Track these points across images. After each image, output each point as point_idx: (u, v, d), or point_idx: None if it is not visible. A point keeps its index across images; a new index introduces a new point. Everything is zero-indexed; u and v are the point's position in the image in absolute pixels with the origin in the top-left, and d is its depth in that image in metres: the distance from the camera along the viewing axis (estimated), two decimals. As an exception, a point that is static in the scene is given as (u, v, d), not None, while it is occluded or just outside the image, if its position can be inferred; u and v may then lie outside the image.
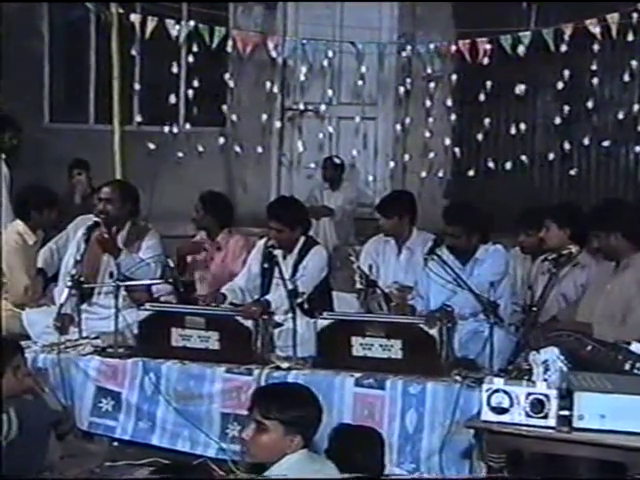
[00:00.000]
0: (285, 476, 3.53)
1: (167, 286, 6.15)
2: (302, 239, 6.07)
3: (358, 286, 6.02)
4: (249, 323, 5.35)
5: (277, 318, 5.63)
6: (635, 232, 4.91)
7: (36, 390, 4.73)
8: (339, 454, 4.16)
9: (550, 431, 3.91)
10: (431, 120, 8.44)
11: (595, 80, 7.77)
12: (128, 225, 6.25)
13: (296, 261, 5.99)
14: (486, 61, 7.67)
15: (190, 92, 8.23)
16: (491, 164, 8.19)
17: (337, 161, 9.10)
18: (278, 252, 5.91)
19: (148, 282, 5.98)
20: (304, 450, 3.63)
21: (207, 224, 6.69)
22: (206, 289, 6.59)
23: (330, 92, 8.95)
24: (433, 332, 5.11)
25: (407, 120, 8.79)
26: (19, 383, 4.59)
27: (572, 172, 8.47)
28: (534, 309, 4.87)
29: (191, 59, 8.07)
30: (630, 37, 7.46)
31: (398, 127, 8.94)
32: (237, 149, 8.58)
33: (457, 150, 8.39)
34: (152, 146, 8.26)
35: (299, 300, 5.63)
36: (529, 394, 3.93)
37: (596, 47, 7.52)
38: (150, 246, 6.18)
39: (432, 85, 8.34)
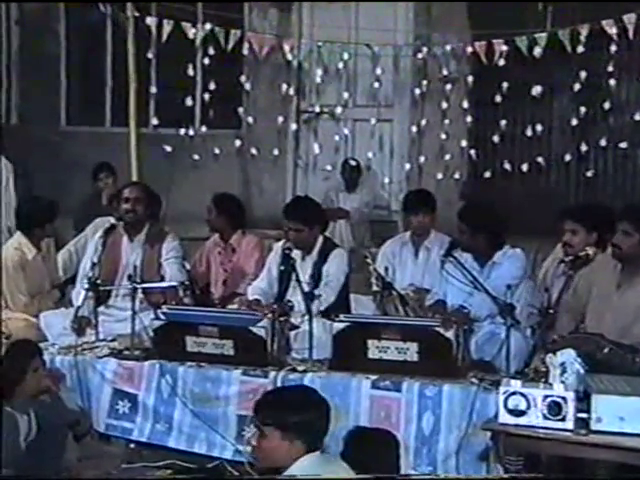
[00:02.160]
0: (294, 476, 3.53)
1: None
2: (321, 239, 6.07)
3: (374, 288, 6.00)
4: (262, 332, 5.33)
5: (294, 320, 5.63)
6: None
7: (53, 390, 4.75)
8: (354, 457, 4.15)
9: (568, 434, 3.90)
10: (447, 122, 8.46)
11: (612, 81, 7.76)
12: (147, 227, 6.27)
13: (316, 262, 5.98)
14: (502, 62, 7.68)
15: (206, 95, 8.27)
16: (507, 166, 8.19)
17: (354, 163, 9.10)
18: (297, 253, 5.92)
19: (165, 284, 5.99)
20: (316, 453, 3.63)
21: (220, 226, 6.71)
22: (221, 290, 6.62)
23: (346, 94, 8.96)
24: (449, 335, 5.10)
25: (423, 122, 8.80)
26: (38, 385, 4.63)
27: (589, 174, 8.45)
28: (550, 312, 4.85)
29: (207, 62, 8.13)
30: (647, 38, 7.45)
31: (414, 129, 8.96)
32: (253, 151, 8.62)
33: (473, 152, 8.39)
34: (168, 148, 8.31)
35: (319, 307, 5.64)
36: (546, 396, 3.92)
37: (613, 48, 7.50)
38: (171, 248, 6.22)
39: (448, 87, 8.34)
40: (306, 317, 5.42)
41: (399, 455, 4.31)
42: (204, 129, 8.75)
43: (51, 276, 6.51)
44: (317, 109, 9.37)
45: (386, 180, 9.23)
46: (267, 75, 9.43)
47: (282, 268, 5.96)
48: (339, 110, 9.13)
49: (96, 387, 5.55)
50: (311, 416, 3.67)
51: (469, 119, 8.44)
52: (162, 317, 5.53)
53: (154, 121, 9.01)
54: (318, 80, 8.69)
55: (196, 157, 8.49)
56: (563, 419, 3.89)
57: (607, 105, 7.96)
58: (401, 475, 4.39)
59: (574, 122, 8.08)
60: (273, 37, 8.41)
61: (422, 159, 8.76)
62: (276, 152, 8.78)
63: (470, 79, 8.27)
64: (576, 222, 5.55)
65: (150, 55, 8.52)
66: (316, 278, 5.90)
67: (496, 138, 8.14)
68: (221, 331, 5.39)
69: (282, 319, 5.45)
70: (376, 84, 8.60)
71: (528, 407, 3.93)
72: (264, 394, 3.94)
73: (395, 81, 9.34)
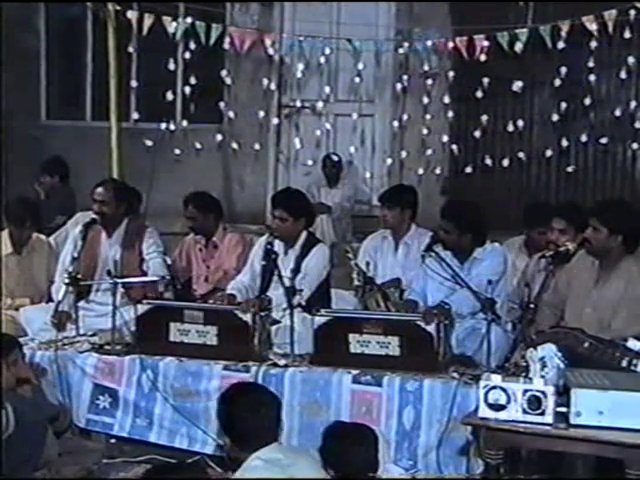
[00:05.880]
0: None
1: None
2: (304, 234, 6.07)
3: (356, 283, 6.01)
4: (247, 317, 5.34)
5: (275, 315, 5.63)
6: (634, 237, 4.89)
7: (34, 383, 4.71)
8: (332, 452, 4.17)
9: (547, 428, 3.92)
10: (428, 117, 8.45)
11: (592, 77, 7.77)
12: (125, 222, 6.25)
13: (298, 257, 5.98)
14: (483, 58, 7.67)
15: (187, 89, 8.22)
16: (488, 161, 8.19)
17: (335, 158, 9.10)
18: (279, 246, 5.91)
19: (146, 279, 5.98)
20: (274, 444, 3.81)
21: (201, 225, 6.67)
22: (203, 287, 6.60)
23: (327, 89, 8.94)
24: (430, 329, 5.11)
25: (404, 117, 8.79)
26: (15, 379, 4.59)
27: (569, 169, 8.47)
28: (531, 306, 4.87)
29: (188, 56, 8.07)
30: (627, 34, 7.46)
31: (395, 124, 8.96)
32: (234, 146, 8.58)
33: (454, 147, 8.39)
34: (149, 143, 8.27)
35: (299, 300, 5.62)
36: (526, 391, 3.93)
37: (593, 44, 7.52)
38: (152, 243, 6.21)
39: (429, 82, 8.33)
40: (287, 312, 5.42)
41: (377, 450, 4.31)
42: (185, 123, 8.71)
43: (26, 279, 6.44)
44: (298, 104, 9.34)
45: (367, 175, 9.22)
46: (248, 69, 9.41)
47: (264, 263, 5.96)
48: (320, 105, 9.12)
49: (76, 382, 5.54)
50: (254, 423, 3.83)
51: (450, 114, 8.44)
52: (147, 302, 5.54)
53: (135, 115, 8.96)
54: (299, 75, 8.66)
55: (177, 152, 8.45)
56: (543, 413, 3.91)
57: (587, 101, 7.99)
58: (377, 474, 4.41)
59: (555, 117, 8.10)
60: (254, 31, 8.38)
61: (403, 154, 8.75)
62: (257, 147, 8.76)
63: (451, 74, 8.27)
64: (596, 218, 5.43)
65: (131, 49, 8.48)
66: (297, 272, 5.88)
67: (477, 133, 8.15)
68: (206, 315, 5.41)
69: (263, 314, 5.45)
70: (357, 79, 8.58)
71: (508, 401, 3.95)
72: (218, 402, 4.06)
73: (376, 76, 9.35)
